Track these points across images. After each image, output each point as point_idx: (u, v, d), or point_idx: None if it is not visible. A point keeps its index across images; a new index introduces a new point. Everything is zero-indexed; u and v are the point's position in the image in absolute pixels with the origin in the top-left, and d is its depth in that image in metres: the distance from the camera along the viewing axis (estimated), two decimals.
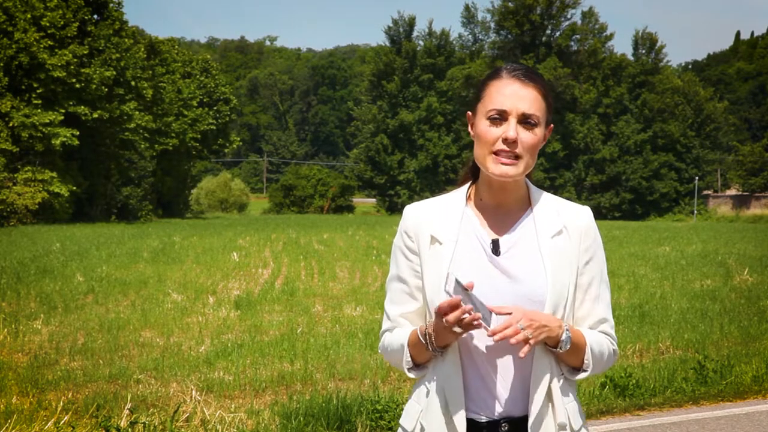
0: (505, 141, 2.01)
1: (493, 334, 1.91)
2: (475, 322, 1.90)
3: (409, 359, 2.10)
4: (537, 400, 2.03)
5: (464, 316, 1.90)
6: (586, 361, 2.05)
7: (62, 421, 5.72)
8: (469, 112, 2.14)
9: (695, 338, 9.30)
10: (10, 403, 6.33)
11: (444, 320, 1.92)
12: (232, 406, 6.55)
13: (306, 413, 6.10)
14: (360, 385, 7.19)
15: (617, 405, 6.77)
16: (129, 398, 6.39)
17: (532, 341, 1.93)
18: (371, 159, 64.22)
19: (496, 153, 2.02)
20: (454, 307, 1.89)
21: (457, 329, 1.94)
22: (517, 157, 2.02)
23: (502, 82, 2.06)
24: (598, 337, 2.10)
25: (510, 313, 1.94)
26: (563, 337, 1.99)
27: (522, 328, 1.91)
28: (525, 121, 2.03)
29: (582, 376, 2.07)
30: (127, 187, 42.50)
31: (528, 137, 2.03)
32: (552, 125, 2.14)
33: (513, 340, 1.91)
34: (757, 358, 8.08)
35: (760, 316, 11.00)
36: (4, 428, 5.60)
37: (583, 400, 6.76)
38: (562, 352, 2.02)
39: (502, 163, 2.02)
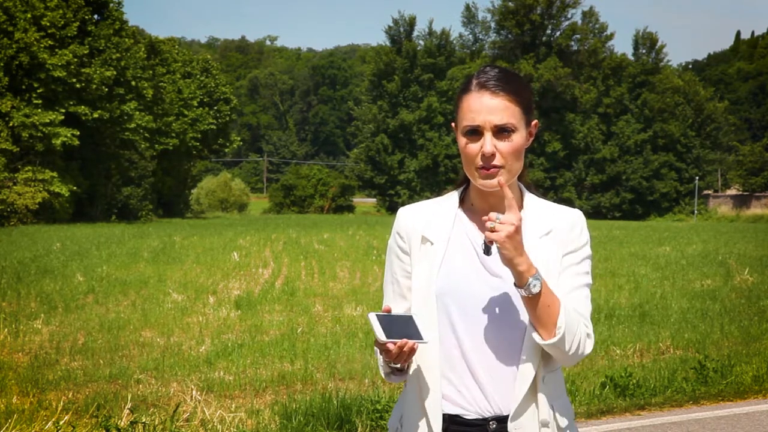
0: (483, 157, 2.03)
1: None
2: (405, 348, 1.97)
3: (383, 363, 2.08)
4: (519, 395, 2.03)
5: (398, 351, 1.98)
6: (559, 324, 1.98)
7: (62, 421, 5.72)
8: (453, 123, 2.16)
9: (696, 338, 9.30)
10: (11, 403, 6.33)
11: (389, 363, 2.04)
12: (233, 405, 6.55)
13: (306, 413, 6.10)
14: (360, 385, 7.19)
15: (618, 405, 6.76)
16: (129, 398, 6.39)
17: (494, 236, 1.93)
18: (371, 159, 64.21)
19: (479, 168, 2.04)
20: (388, 349, 1.97)
21: (396, 365, 2.03)
22: (500, 167, 2.03)
23: (471, 96, 2.06)
24: (572, 309, 2.03)
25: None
26: (531, 279, 1.94)
27: (494, 226, 1.93)
28: (500, 131, 2.03)
29: (554, 340, 1.98)
30: (127, 187, 42.47)
31: (506, 146, 2.03)
32: (536, 121, 2.13)
33: (487, 229, 1.95)
34: (757, 358, 8.08)
35: (761, 315, 10.99)
36: (5, 428, 5.60)
37: (584, 399, 6.76)
38: (533, 305, 1.96)
39: (486, 176, 2.03)
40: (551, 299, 1.98)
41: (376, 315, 2.00)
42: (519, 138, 2.05)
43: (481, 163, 2.03)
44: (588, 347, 2.06)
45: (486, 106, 2.03)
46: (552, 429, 2.07)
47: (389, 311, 2.02)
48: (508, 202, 1.95)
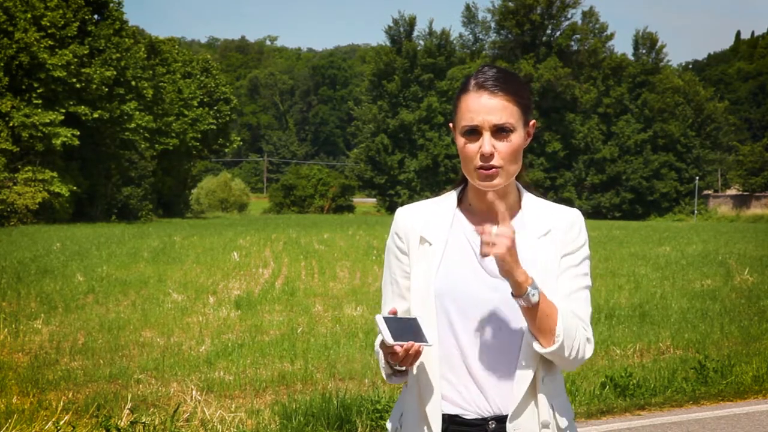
0: (482, 157, 2.02)
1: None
2: (411, 351, 1.97)
3: (384, 364, 2.09)
4: (518, 396, 2.03)
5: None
6: (557, 332, 1.98)
7: (62, 421, 5.72)
8: (451, 123, 2.15)
9: (696, 338, 9.30)
10: (11, 403, 6.33)
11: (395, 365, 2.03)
12: (233, 405, 6.55)
13: (306, 413, 6.10)
14: (360, 385, 7.19)
15: (618, 405, 6.76)
16: (129, 398, 6.39)
17: (494, 251, 1.91)
18: (371, 159, 64.22)
19: (477, 168, 2.04)
20: (395, 352, 1.98)
21: (401, 368, 2.03)
22: (498, 167, 2.03)
23: (470, 96, 2.06)
24: (570, 314, 2.04)
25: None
26: (529, 289, 1.94)
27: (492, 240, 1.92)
28: (499, 131, 2.03)
29: (553, 348, 1.99)
30: (127, 187, 42.48)
31: (505, 146, 2.03)
32: (534, 121, 2.13)
33: (484, 243, 1.93)
34: (757, 358, 8.08)
35: (761, 315, 10.99)
36: (5, 428, 5.60)
37: (584, 399, 6.76)
38: (532, 315, 1.97)
39: (485, 177, 2.04)
40: (549, 307, 1.99)
41: (384, 318, 2.00)
42: (517, 138, 2.05)
43: (479, 163, 2.03)
44: (588, 352, 2.06)
45: (484, 106, 2.03)
46: (552, 429, 2.07)
47: (395, 313, 2.02)
48: (501, 216, 1.94)
